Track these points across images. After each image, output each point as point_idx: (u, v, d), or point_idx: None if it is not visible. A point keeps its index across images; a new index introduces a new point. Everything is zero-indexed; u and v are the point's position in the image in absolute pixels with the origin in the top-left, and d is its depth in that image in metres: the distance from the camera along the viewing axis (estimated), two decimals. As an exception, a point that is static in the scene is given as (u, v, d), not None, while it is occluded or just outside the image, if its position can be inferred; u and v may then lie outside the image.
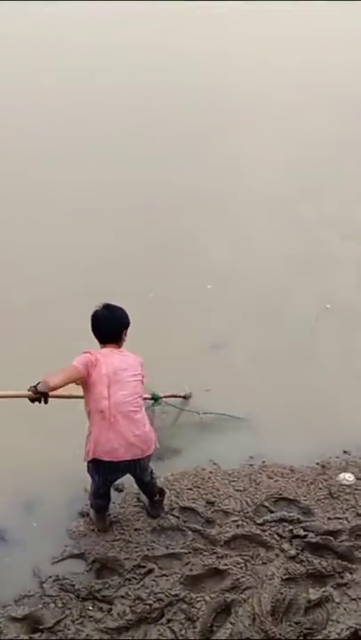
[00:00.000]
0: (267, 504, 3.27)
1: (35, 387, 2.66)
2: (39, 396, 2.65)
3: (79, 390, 2.91)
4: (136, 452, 2.85)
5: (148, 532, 3.11)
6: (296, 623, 2.74)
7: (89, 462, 2.89)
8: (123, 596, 2.83)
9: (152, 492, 3.14)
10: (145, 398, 3.37)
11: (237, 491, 3.34)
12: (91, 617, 2.78)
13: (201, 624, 2.72)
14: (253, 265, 4.91)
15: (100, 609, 2.81)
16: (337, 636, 2.69)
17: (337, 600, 2.83)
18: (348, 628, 2.72)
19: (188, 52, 7.28)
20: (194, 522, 3.18)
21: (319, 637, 2.69)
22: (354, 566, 2.99)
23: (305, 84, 7.06)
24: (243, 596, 2.82)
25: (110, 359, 2.84)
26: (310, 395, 3.92)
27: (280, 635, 2.68)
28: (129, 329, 2.95)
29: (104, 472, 2.88)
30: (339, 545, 3.06)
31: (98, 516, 3.12)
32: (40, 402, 2.67)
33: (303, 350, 4.26)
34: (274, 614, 2.75)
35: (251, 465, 3.53)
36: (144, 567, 2.95)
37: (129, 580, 2.91)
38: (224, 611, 2.79)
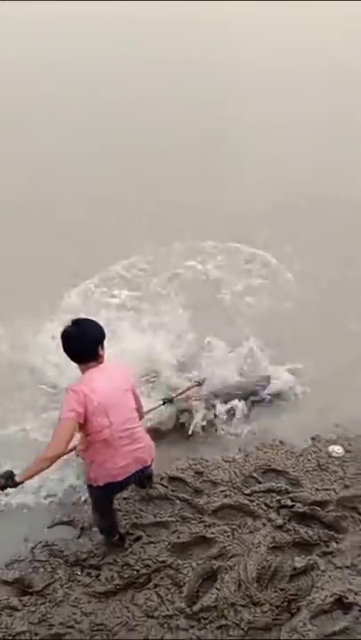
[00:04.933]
0: (255, 475, 3.29)
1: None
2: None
3: None
4: (142, 464, 2.77)
5: (136, 500, 3.15)
6: (281, 589, 2.78)
7: (96, 488, 2.72)
8: (111, 563, 2.88)
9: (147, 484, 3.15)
10: (151, 410, 3.19)
11: (226, 462, 3.37)
12: (79, 581, 2.84)
13: (187, 589, 2.77)
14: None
15: (89, 574, 2.86)
16: (321, 602, 2.72)
17: (322, 568, 2.86)
18: (332, 595, 2.75)
19: (188, 27, 7.11)
20: (182, 491, 3.22)
21: (303, 603, 2.73)
22: (340, 536, 3.02)
23: (304, 59, 6.90)
24: (229, 563, 2.86)
25: (97, 384, 2.56)
26: (304, 368, 3.92)
27: (265, 600, 2.73)
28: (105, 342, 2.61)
29: (114, 491, 2.83)
30: (326, 515, 3.09)
31: (112, 540, 2.93)
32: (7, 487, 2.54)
33: (300, 321, 4.24)
34: (259, 581, 2.79)
35: (240, 437, 3.55)
36: (132, 534, 3.00)
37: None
38: (210, 577, 2.83)
